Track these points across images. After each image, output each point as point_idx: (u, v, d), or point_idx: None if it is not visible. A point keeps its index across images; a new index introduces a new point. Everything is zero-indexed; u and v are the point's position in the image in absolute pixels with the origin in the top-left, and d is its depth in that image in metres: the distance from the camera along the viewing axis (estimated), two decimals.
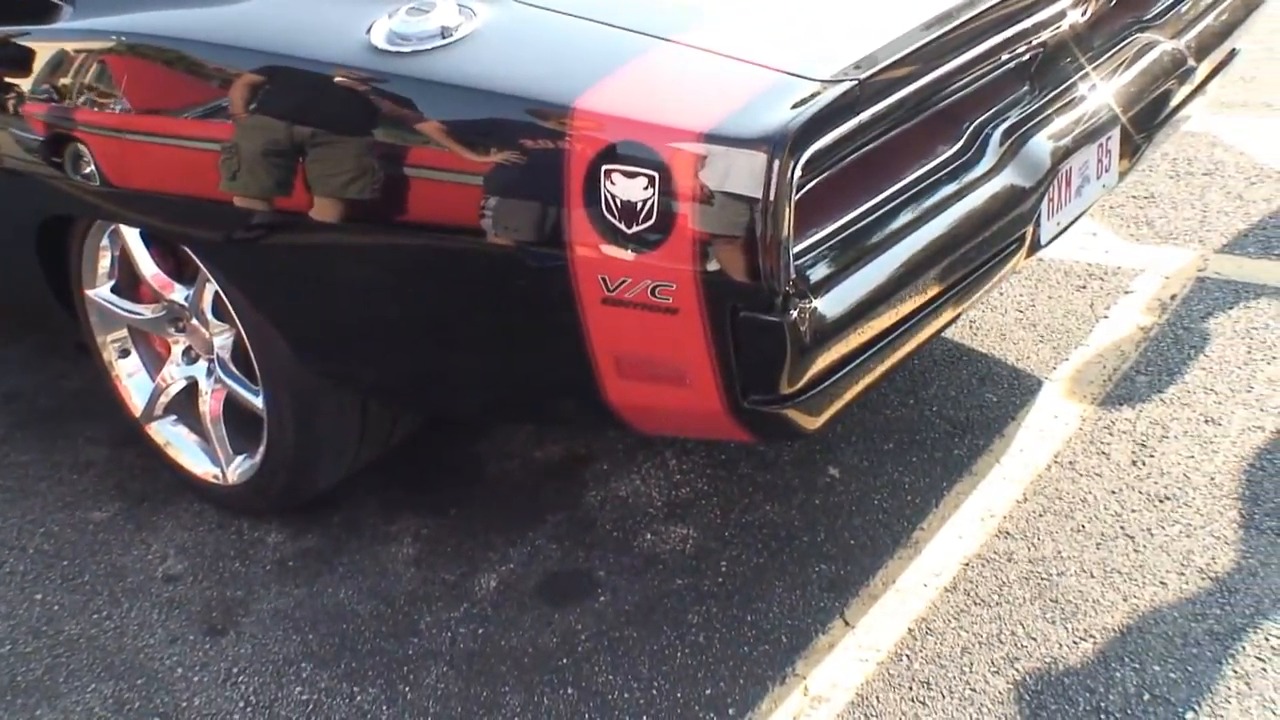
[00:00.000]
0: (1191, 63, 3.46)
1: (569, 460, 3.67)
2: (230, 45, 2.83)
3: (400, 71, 2.60)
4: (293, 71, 2.75)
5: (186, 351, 3.56)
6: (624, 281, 2.40)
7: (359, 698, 2.97)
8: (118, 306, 3.55)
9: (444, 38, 2.61)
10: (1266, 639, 2.84)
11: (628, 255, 2.37)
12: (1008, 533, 3.22)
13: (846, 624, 3.01)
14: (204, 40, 2.87)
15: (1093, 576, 3.06)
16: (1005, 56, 2.85)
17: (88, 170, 3.11)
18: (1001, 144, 2.84)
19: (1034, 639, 2.91)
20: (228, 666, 3.10)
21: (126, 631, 3.24)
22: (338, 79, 2.68)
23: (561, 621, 3.11)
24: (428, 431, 3.70)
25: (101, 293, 3.55)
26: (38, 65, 3.20)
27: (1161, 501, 3.27)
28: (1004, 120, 2.89)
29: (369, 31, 2.67)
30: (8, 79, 3.27)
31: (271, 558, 3.43)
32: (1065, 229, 3.12)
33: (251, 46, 2.80)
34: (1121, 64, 3.24)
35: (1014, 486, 3.37)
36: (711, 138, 2.28)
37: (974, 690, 2.81)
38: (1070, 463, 3.43)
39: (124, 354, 3.68)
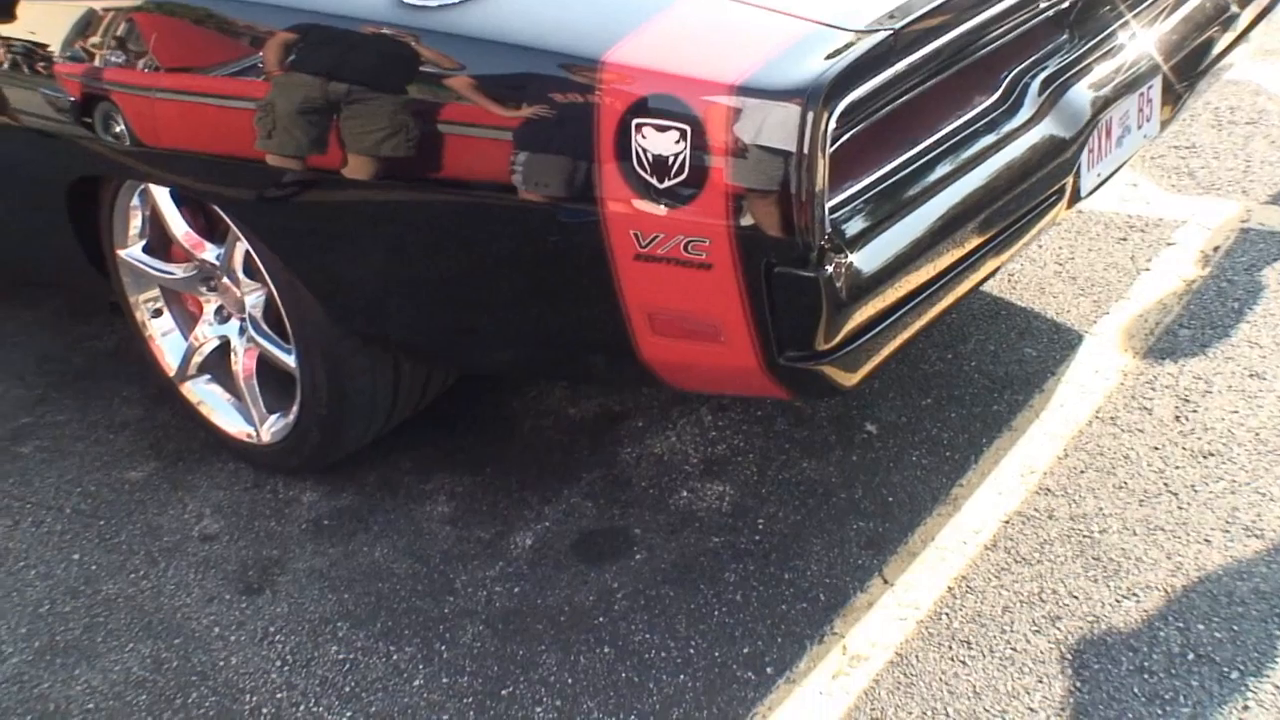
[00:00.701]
0: (1235, 9, 3.42)
1: (604, 417, 3.66)
2: (260, 3, 2.82)
3: (429, 26, 2.58)
4: (322, 29, 2.74)
5: (219, 310, 3.56)
6: (657, 237, 2.38)
7: (395, 656, 2.97)
8: (149, 266, 3.54)
9: None
10: None
11: (660, 210, 2.36)
12: (1048, 489, 3.19)
13: (885, 582, 3.00)
14: None
15: (1135, 534, 3.03)
16: (1044, 4, 2.82)
17: (118, 130, 3.10)
18: (1040, 94, 2.82)
19: (1076, 598, 2.89)
20: (264, 626, 3.10)
21: (163, 591, 3.24)
22: (366, 35, 2.67)
23: (598, 580, 3.10)
24: (461, 389, 3.69)
25: (133, 253, 3.55)
26: (67, 25, 3.19)
27: (1205, 458, 3.24)
28: (1043, 69, 2.87)
29: None
30: (37, 39, 3.26)
31: (307, 517, 3.43)
32: (1106, 180, 3.09)
33: (281, 4, 2.79)
34: (1163, 11, 3.21)
35: (1055, 442, 3.34)
36: (744, 90, 2.26)
37: (1015, 650, 2.79)
38: (1112, 418, 3.40)
39: (156, 314, 3.68)
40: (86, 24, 3.14)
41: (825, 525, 3.18)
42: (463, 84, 2.56)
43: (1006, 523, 3.11)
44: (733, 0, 2.46)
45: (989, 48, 2.70)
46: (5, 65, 3.34)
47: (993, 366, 3.64)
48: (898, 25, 2.38)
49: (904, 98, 2.49)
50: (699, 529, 3.21)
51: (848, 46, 2.31)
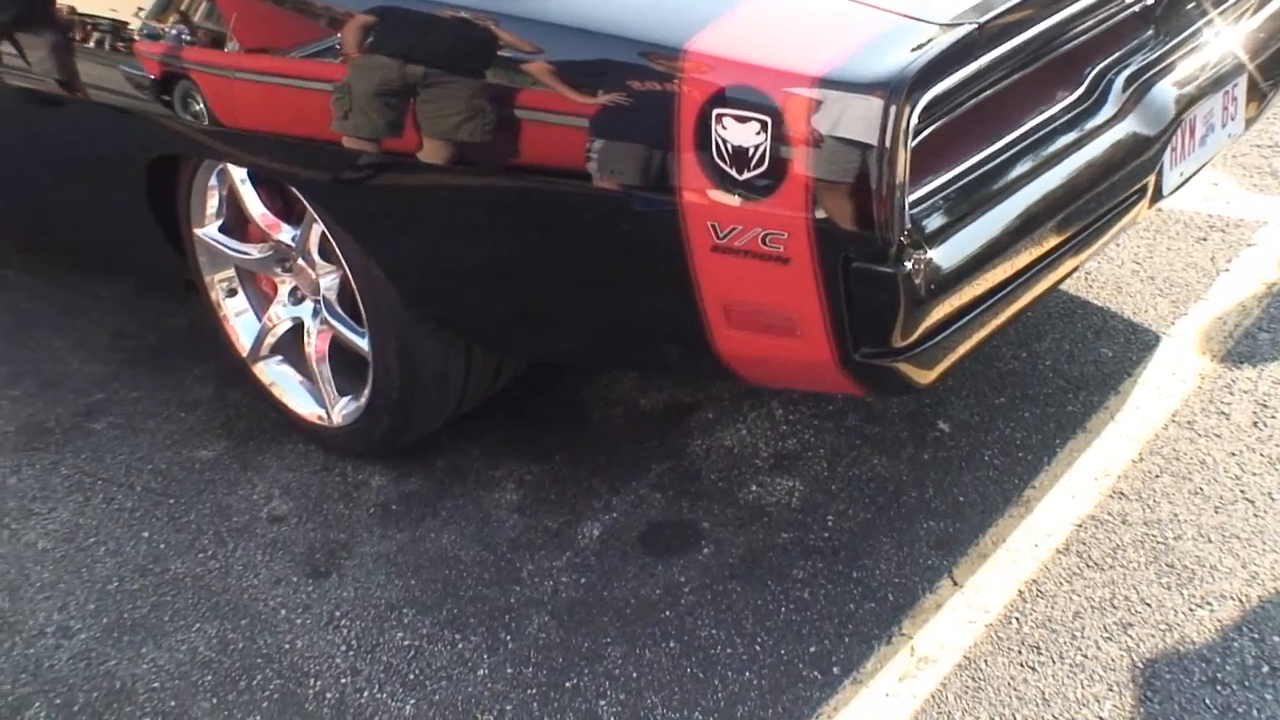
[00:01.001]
0: None
1: (674, 408, 3.65)
2: None
3: (508, 10, 2.58)
4: (401, 11, 2.74)
5: (293, 292, 3.57)
6: (734, 229, 2.37)
7: (460, 645, 2.97)
8: (225, 246, 3.55)
9: None
10: None
11: (738, 202, 2.35)
12: (1123, 493, 3.15)
13: (955, 583, 2.97)
14: None
15: (1210, 541, 2.99)
16: (1128, 0, 2.78)
17: (197, 109, 3.11)
18: (1124, 91, 2.80)
19: (1148, 605, 2.85)
20: (330, 610, 3.11)
21: (231, 572, 3.26)
22: (445, 18, 2.67)
23: (665, 573, 3.09)
24: (532, 377, 3.68)
25: (209, 232, 3.56)
26: (148, 4, 3.20)
27: None
28: (1127, 66, 2.84)
29: None
30: (119, 19, 3.27)
31: (375, 501, 3.44)
32: (1188, 179, 3.06)
33: None
34: (1248, 8, 3.16)
35: (1130, 445, 3.30)
36: (827, 82, 2.25)
37: (1085, 656, 2.75)
38: (1189, 422, 3.35)
39: (231, 293, 3.69)
40: (168, 3, 3.15)
41: (895, 524, 3.15)
42: (541, 69, 2.55)
43: (1079, 526, 3.08)
44: None
45: (1073, 43, 2.68)
46: (88, 42, 3.36)
47: (1068, 366, 3.60)
48: (982, 19, 2.36)
49: (986, 92, 2.48)
50: (768, 524, 3.19)
51: (931, 40, 2.30)
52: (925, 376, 2.49)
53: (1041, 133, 2.65)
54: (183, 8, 3.12)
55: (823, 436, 3.46)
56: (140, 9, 3.22)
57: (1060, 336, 3.73)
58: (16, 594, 3.25)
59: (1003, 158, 2.56)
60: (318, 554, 3.28)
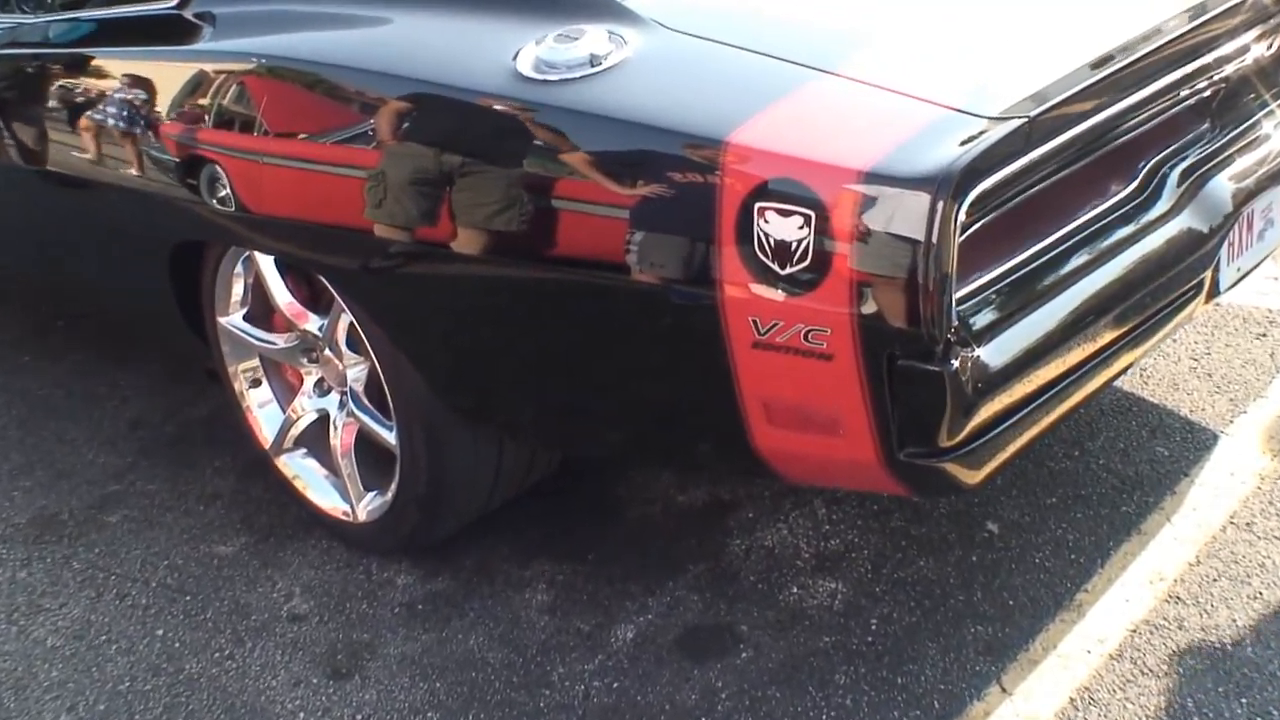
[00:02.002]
0: None
1: (713, 506, 3.68)
2: (373, 70, 2.89)
3: (547, 101, 2.63)
4: (437, 99, 2.80)
5: (319, 383, 3.62)
6: (776, 324, 2.41)
7: None
8: (250, 335, 3.61)
9: (593, 66, 2.64)
10: None
11: (780, 297, 2.38)
12: (1179, 598, 3.17)
13: (1004, 691, 2.99)
14: (346, 65, 2.94)
15: (1270, 648, 3.01)
16: (1185, 92, 2.83)
17: (223, 194, 3.18)
18: (1180, 184, 2.82)
19: (1206, 714, 2.87)
20: (351, 713, 3.14)
21: (248, 672, 3.29)
22: (482, 107, 2.72)
23: (701, 678, 3.12)
24: (565, 472, 3.72)
25: (234, 320, 3.62)
26: (176, 87, 3.28)
27: None
28: (1183, 159, 2.87)
29: (516, 58, 2.71)
30: (146, 101, 3.35)
31: (400, 600, 3.47)
32: (1246, 274, 3.08)
33: (396, 72, 2.86)
34: None
35: (1186, 548, 3.32)
36: (872, 176, 2.28)
37: None
38: (1248, 524, 3.38)
39: (255, 384, 3.74)
40: (196, 85, 3.23)
41: (941, 628, 3.18)
42: (579, 160, 2.60)
43: (1133, 631, 3.10)
44: (862, 83, 2.49)
45: (1127, 136, 2.70)
46: (115, 123, 3.43)
47: (1122, 465, 3.63)
48: (1032, 113, 2.38)
49: (1037, 186, 2.50)
50: (809, 627, 3.22)
51: (980, 133, 2.32)
52: (973, 477, 2.51)
53: (1094, 227, 2.67)
54: (211, 90, 3.19)
55: (867, 537, 3.49)
56: (169, 91, 3.29)
57: (1114, 435, 3.76)
58: (23, 693, 3.29)
59: (1053, 253, 2.59)
60: (339, 655, 3.31)
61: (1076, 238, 2.64)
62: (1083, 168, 2.61)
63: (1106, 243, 2.66)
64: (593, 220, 2.61)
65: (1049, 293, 2.54)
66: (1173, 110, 2.81)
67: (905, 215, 2.26)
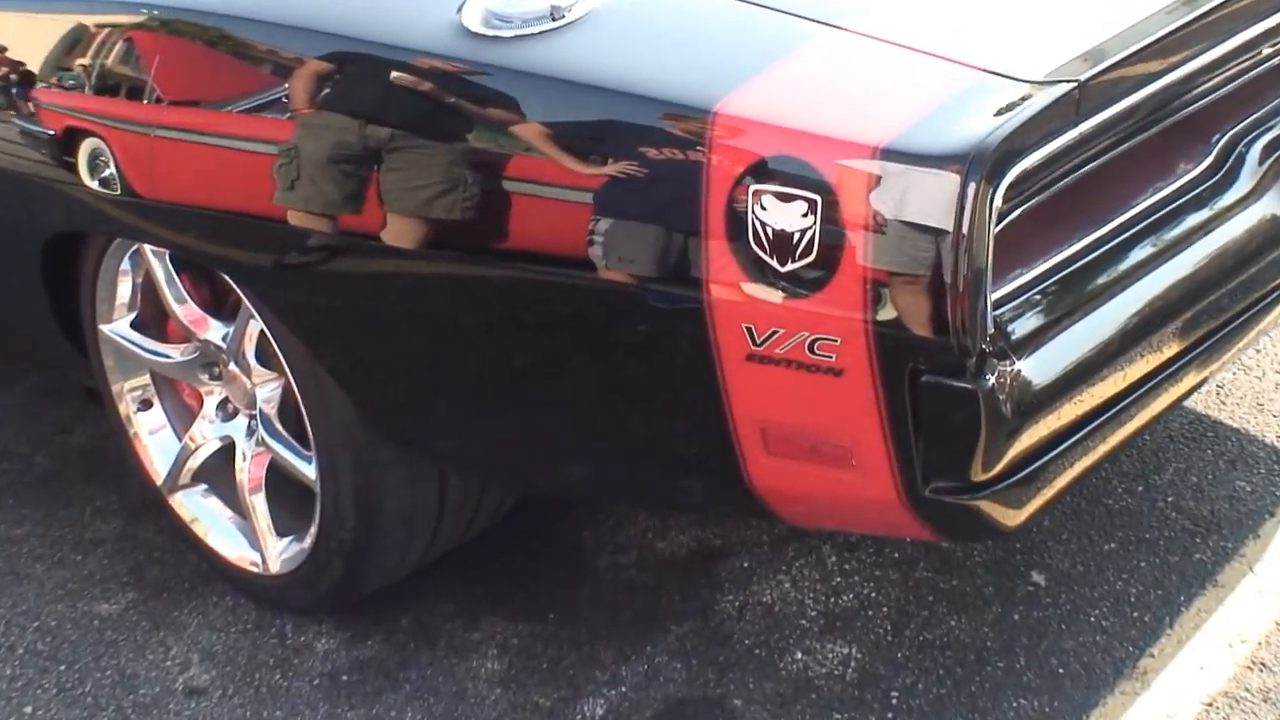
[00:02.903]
0: None
1: (699, 554, 3.68)
2: (290, 25, 2.89)
3: (498, 61, 2.63)
4: (365, 59, 2.80)
5: (222, 405, 3.60)
6: (775, 333, 2.40)
7: None
8: (139, 346, 3.59)
9: (554, 19, 2.64)
10: None
11: (780, 299, 2.38)
12: (1263, 664, 3.19)
13: None
14: (256, 17, 2.93)
15: None
16: (1268, 50, 2.83)
17: (106, 175, 3.17)
18: (1262, 162, 2.82)
19: None
20: None
21: None
22: (419, 68, 2.72)
23: None
24: (521, 514, 3.72)
25: (119, 329, 3.60)
26: (49, 44, 3.27)
27: None
28: (1265, 132, 2.87)
29: (460, 10, 2.71)
30: (10, 62, 3.34)
31: (321, 669, 3.46)
32: None
33: (316, 27, 2.86)
34: None
35: (1271, 603, 3.33)
36: (891, 153, 2.28)
37: None
38: None
39: (145, 406, 3.73)
40: (73, 42, 3.22)
41: (977, 701, 3.18)
42: (536, 133, 2.60)
43: (1209, 705, 3.10)
44: (878, 40, 2.49)
45: (1197, 105, 2.72)
46: None
47: (1195, 504, 3.64)
48: (1083, 76, 2.38)
49: (1089, 165, 2.51)
50: (816, 702, 3.22)
51: (1021, 101, 2.33)
52: (1013, 517, 2.51)
53: (1158, 214, 2.68)
54: (92, 47, 3.18)
55: (886, 591, 3.50)
56: (40, 50, 3.29)
57: (1185, 466, 3.77)
58: None
59: (1109, 245, 2.59)
60: None
61: (1137, 227, 2.65)
62: (1144, 142, 2.62)
63: (1173, 233, 2.67)
64: (552, 206, 2.62)
65: (1104, 293, 2.55)
66: (1253, 73, 2.82)
67: (931, 200, 2.26)
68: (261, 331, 3.27)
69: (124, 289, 3.57)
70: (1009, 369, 2.37)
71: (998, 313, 2.39)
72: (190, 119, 3.06)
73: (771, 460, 2.58)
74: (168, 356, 3.59)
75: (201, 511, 3.71)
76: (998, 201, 2.27)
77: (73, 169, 3.24)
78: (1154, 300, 2.61)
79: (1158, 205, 2.70)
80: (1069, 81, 2.37)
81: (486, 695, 3.34)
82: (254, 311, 3.23)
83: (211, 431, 3.63)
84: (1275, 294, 2.88)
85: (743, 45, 2.55)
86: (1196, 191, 2.75)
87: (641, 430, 2.81)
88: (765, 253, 2.37)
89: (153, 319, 3.60)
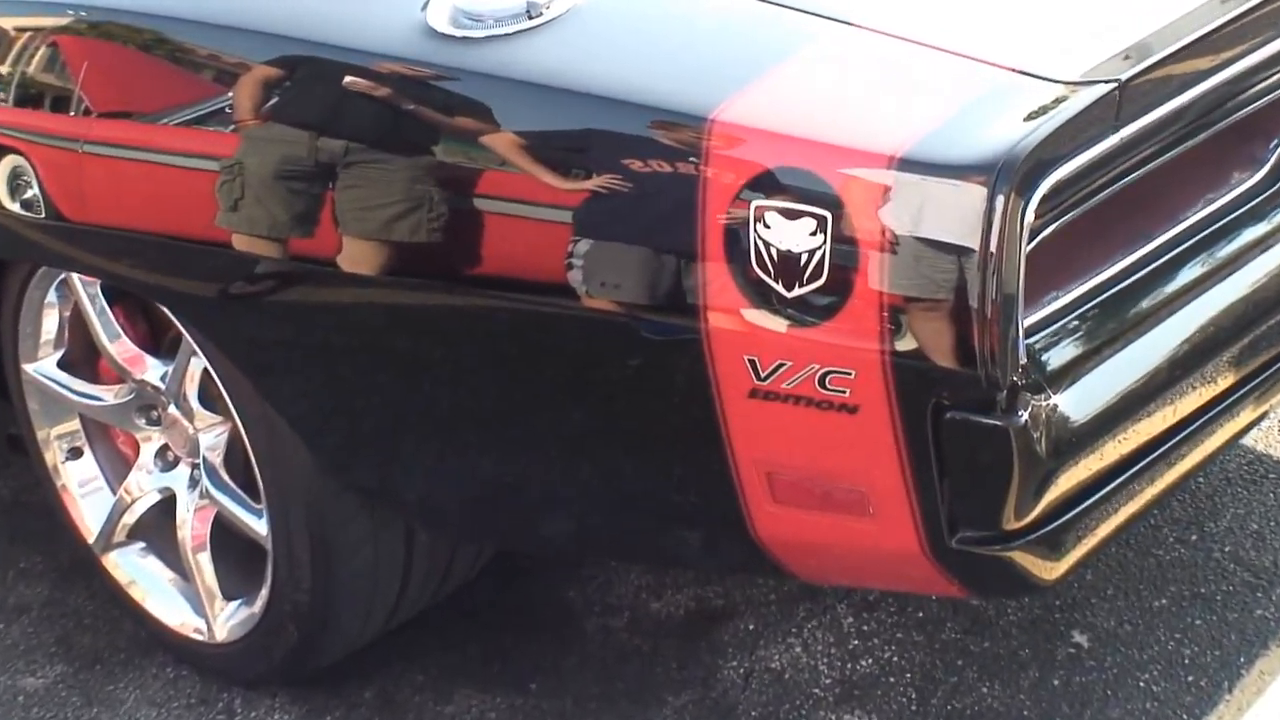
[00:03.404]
0: None
1: (699, 616, 3.67)
2: (233, 27, 2.89)
3: (468, 64, 2.63)
4: (318, 64, 2.80)
5: (161, 453, 3.59)
6: (781, 366, 2.40)
7: None
8: (67, 388, 3.58)
9: (531, 18, 2.64)
10: None
11: (786, 328, 2.38)
12: None
13: None
14: (197, 19, 2.93)
15: None
16: None
17: (29, 196, 3.15)
18: None
19: None
20: None
21: None
22: (380, 73, 2.72)
23: None
24: (498, 571, 3.71)
25: (45, 368, 3.59)
26: None
27: None
28: None
29: (426, 7, 2.71)
30: None
31: None
32: None
33: (263, 29, 2.86)
34: None
35: None
36: (909, 163, 2.27)
37: None
38: None
39: (75, 454, 3.71)
40: None
41: None
42: (511, 144, 2.60)
43: None
44: (892, 38, 2.49)
45: (1253, 106, 2.72)
46: None
47: (1255, 554, 3.64)
48: (1124, 75, 2.37)
49: (1132, 175, 2.51)
50: None
51: (1055, 103, 2.32)
52: (1051, 570, 2.51)
53: (1210, 229, 2.68)
54: (12, 53, 3.17)
55: (909, 655, 3.49)
56: None
57: (1244, 512, 3.76)
58: None
59: (1154, 264, 2.59)
60: None
61: (1186, 244, 2.65)
62: (1193, 149, 2.62)
63: (1227, 250, 2.67)
64: (529, 226, 2.62)
65: (1150, 318, 2.55)
66: None
67: (954, 215, 2.25)
68: (205, 370, 3.26)
69: (50, 323, 3.56)
70: (1044, 403, 2.36)
71: (1031, 341, 2.39)
72: (122, 133, 3.05)
73: (779, 509, 2.57)
74: (99, 399, 3.58)
75: (139, 573, 3.69)
76: (1029, 216, 2.26)
77: None
78: (1206, 325, 2.61)
79: (1209, 219, 2.70)
80: (1108, 81, 2.37)
81: None
82: (196, 348, 3.21)
83: (149, 483, 3.61)
84: None
85: (741, 44, 2.55)
86: (1252, 203, 2.76)
87: (633, 477, 2.80)
88: (769, 276, 2.36)
89: (82, 357, 3.59)
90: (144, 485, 3.62)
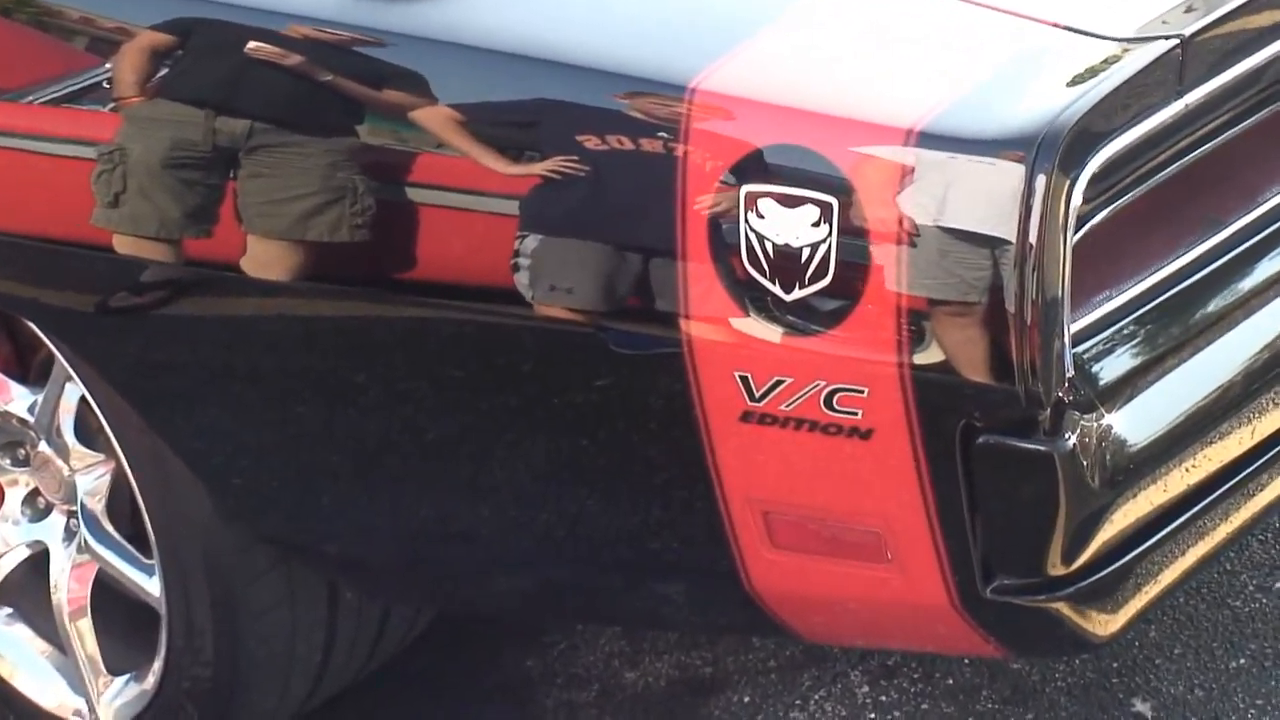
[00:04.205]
0: None
1: (682, 687, 3.67)
2: None
3: (398, 26, 2.63)
4: (215, 27, 2.79)
5: (30, 499, 3.58)
6: (778, 383, 2.40)
7: None
8: None
9: None
10: None
11: (784, 338, 2.38)
12: None
13: None
14: None
15: None
16: None
17: None
18: None
19: None
20: None
21: None
22: (291, 39, 2.71)
23: None
24: (441, 637, 3.70)
25: None
26: None
27: None
28: None
29: None
30: None
31: None
32: None
33: None
34: None
35: None
36: (931, 138, 2.27)
37: None
38: None
39: None
40: None
41: None
42: (449, 121, 2.60)
43: None
44: None
45: None
46: None
47: None
48: (1188, 30, 2.37)
49: (1198, 151, 2.51)
50: None
51: (1105, 65, 2.33)
52: (1105, 625, 2.51)
53: None
54: None
55: None
56: None
57: None
58: None
59: (1226, 258, 2.60)
60: None
61: (1263, 233, 2.65)
62: (1271, 119, 2.62)
63: None
64: (471, 220, 2.61)
65: (1221, 321, 2.56)
66: None
67: (986, 199, 2.26)
68: (82, 399, 3.26)
69: None
70: (1095, 425, 2.37)
71: (1079, 350, 2.39)
72: None
73: (778, 555, 2.57)
74: None
75: (5, 644, 3.68)
76: (1076, 200, 2.26)
77: None
78: None
79: None
80: (1169, 38, 2.37)
81: None
82: (71, 372, 3.21)
83: (16, 535, 3.61)
84: None
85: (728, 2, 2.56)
86: None
87: (601, 522, 2.80)
88: (763, 276, 2.36)
89: None
90: (9, 539, 3.61)
